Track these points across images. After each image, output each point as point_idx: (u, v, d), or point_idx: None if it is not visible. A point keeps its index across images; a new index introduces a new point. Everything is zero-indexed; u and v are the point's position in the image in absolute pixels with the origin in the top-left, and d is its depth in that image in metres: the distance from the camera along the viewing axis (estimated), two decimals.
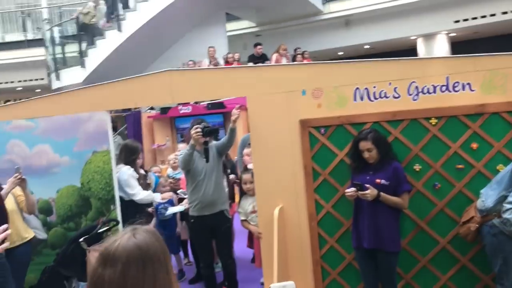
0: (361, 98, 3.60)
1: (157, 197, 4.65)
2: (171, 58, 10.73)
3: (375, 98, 3.56)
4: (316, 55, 13.69)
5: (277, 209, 3.70)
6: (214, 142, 4.43)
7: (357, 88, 3.60)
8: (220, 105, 8.55)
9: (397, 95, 3.51)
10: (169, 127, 9.24)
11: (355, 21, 13.51)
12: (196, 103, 9.92)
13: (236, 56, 9.93)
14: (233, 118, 3.96)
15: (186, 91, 4.00)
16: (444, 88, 3.41)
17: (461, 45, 13.91)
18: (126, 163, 4.59)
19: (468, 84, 3.36)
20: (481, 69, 3.31)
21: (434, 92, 3.43)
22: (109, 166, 4.31)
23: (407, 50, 13.69)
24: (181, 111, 8.85)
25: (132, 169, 4.60)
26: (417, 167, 3.49)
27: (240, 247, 5.28)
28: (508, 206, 2.87)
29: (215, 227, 4.28)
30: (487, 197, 3.04)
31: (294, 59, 10.36)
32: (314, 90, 3.71)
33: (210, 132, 4.12)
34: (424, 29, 13.03)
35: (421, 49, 13.73)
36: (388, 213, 3.22)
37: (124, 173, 4.50)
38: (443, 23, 12.67)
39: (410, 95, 3.48)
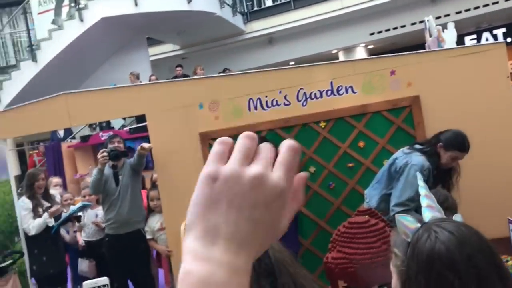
0: (255, 108, 3.72)
1: (46, 217, 4.21)
2: (94, 84, 10.52)
3: (268, 107, 3.70)
4: None
5: (183, 224, 3.71)
6: (129, 160, 4.34)
7: (251, 99, 3.72)
8: (143, 128, 8.47)
9: (287, 102, 3.66)
10: (92, 155, 9.02)
11: (278, 39, 13.90)
12: (121, 128, 9.77)
13: (153, 78, 9.94)
14: (142, 147, 3.98)
15: (84, 112, 3.97)
16: (329, 92, 3.60)
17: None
18: (28, 194, 4.24)
19: (351, 86, 3.57)
20: (360, 72, 3.54)
21: (321, 96, 3.61)
22: (10, 197, 4.15)
23: None
24: (103, 138, 8.67)
25: (26, 200, 4.24)
26: (312, 169, 3.64)
27: None
28: (396, 209, 2.94)
29: (131, 246, 4.22)
30: (371, 197, 3.19)
31: None
32: (211, 103, 3.80)
33: (117, 156, 4.08)
34: (343, 43, 13.61)
35: None
36: None
37: (20, 207, 4.21)
38: (360, 36, 13.31)
39: (299, 101, 3.64)
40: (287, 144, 0.52)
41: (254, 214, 0.49)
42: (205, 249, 0.48)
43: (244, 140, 0.51)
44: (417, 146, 3.05)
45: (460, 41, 10.45)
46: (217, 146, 0.51)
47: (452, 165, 2.96)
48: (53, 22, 10.09)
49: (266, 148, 0.52)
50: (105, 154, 4.03)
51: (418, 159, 2.92)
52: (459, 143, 2.87)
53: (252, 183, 0.49)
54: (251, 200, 0.49)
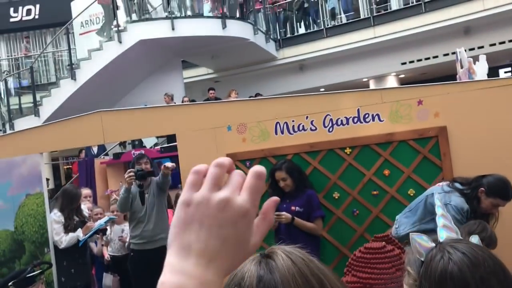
0: (282, 132, 3.79)
1: (79, 232, 4.36)
2: (129, 103, 10.86)
3: (294, 131, 3.76)
4: None
5: None
6: (156, 178, 4.47)
7: (278, 123, 3.79)
8: (174, 148, 8.64)
9: (313, 128, 3.72)
10: (123, 172, 9.22)
11: (309, 65, 14.03)
12: (152, 147, 9.98)
13: (186, 100, 10.20)
14: (165, 167, 4.13)
15: (118, 130, 4.12)
16: (356, 119, 3.64)
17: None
18: (65, 215, 4.38)
19: (377, 114, 3.60)
20: (388, 101, 3.57)
21: (347, 123, 3.65)
22: (42, 208, 4.31)
23: None
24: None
25: (58, 213, 4.38)
26: (336, 195, 3.66)
27: None
28: None
29: (155, 262, 4.30)
30: (401, 224, 3.13)
31: None
32: (239, 125, 3.89)
33: (143, 176, 4.22)
34: (374, 71, 13.62)
35: None
36: (305, 240, 3.33)
37: (51, 219, 4.36)
38: (391, 65, 13.29)
39: (326, 127, 3.69)
40: (253, 170, 0.59)
41: (222, 232, 0.56)
42: (179, 263, 0.55)
43: (213, 168, 0.59)
44: (458, 185, 2.94)
45: (494, 73, 10.29)
46: (191, 176, 0.59)
47: (492, 211, 2.90)
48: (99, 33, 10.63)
49: (236, 175, 0.60)
50: (131, 174, 4.19)
51: (457, 200, 2.83)
52: (503, 190, 2.76)
53: (219, 205, 0.56)
54: (218, 220, 0.56)
